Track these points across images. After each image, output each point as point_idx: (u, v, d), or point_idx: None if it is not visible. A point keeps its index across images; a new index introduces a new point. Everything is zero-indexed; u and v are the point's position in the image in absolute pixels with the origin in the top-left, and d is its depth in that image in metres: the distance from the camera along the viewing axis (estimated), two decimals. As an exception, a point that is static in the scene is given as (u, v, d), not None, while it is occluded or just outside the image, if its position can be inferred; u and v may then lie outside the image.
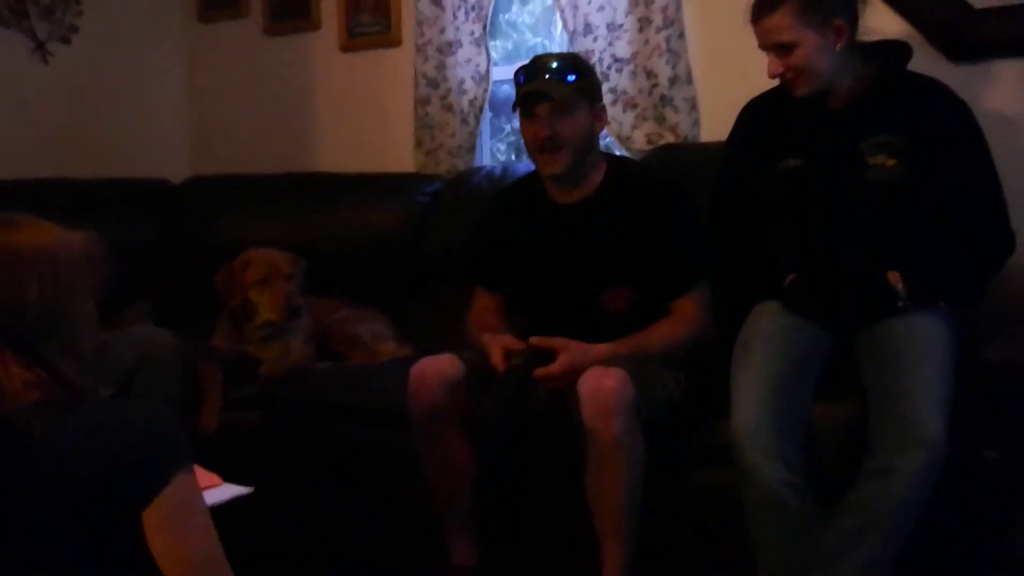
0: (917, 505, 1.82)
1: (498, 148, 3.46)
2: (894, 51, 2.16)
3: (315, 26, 3.56)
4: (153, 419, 1.28)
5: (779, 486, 1.88)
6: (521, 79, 2.26)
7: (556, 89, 2.19)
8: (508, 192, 2.50)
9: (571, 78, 2.20)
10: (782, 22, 2.03)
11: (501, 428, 2.18)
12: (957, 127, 2.09)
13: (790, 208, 2.17)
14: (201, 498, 1.29)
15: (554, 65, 2.22)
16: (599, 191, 2.28)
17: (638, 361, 2.08)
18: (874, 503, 1.82)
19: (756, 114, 2.29)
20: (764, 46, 2.10)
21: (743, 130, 2.31)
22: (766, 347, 2.03)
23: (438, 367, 2.15)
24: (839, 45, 2.06)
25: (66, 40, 3.52)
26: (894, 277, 2.02)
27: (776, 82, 2.17)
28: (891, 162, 2.06)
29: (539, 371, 2.11)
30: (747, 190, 2.25)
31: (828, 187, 2.12)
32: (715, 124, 2.83)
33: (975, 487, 2.01)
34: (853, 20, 2.09)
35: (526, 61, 2.33)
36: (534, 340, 2.13)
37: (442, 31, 3.19)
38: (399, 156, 3.35)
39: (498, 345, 2.15)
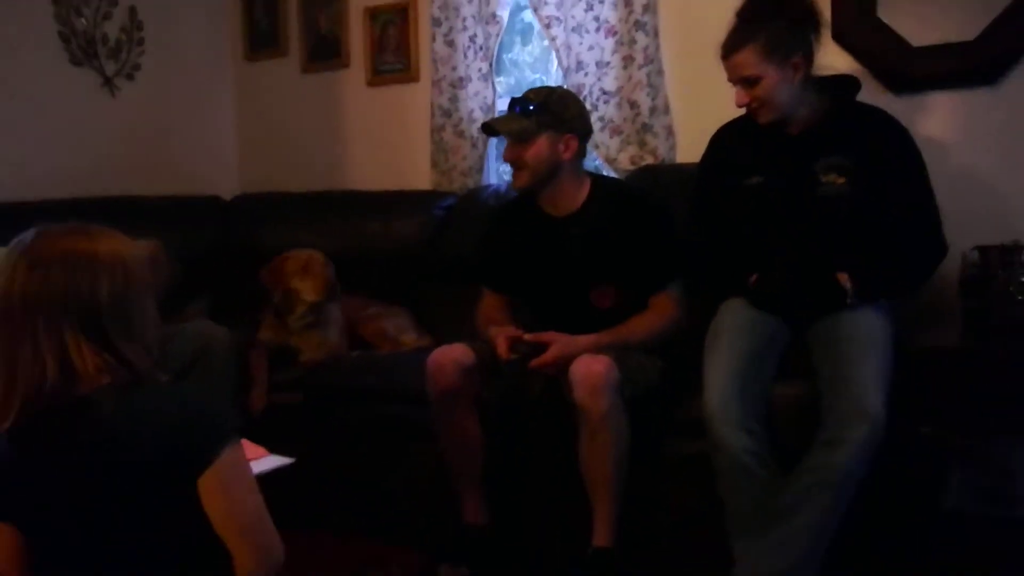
0: (860, 470, 1.86)
1: (504, 169, 3.50)
2: (845, 84, 2.22)
3: (345, 64, 3.61)
4: (206, 399, 1.33)
5: (745, 455, 1.92)
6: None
7: (506, 124, 2.29)
8: (508, 207, 2.55)
9: (530, 111, 2.24)
10: (748, 59, 2.08)
11: (505, 408, 2.23)
12: (899, 150, 2.13)
13: (754, 219, 2.22)
14: (248, 466, 1.33)
15: (521, 101, 2.28)
16: (585, 205, 2.33)
17: (622, 349, 2.14)
18: (824, 468, 1.86)
19: (725, 139, 2.34)
20: (732, 79, 2.14)
21: (714, 152, 2.35)
22: (733, 336, 2.08)
23: (453, 355, 2.21)
24: (797, 78, 2.10)
25: (131, 76, 3.57)
26: (843, 278, 2.07)
27: (743, 111, 2.22)
28: (841, 180, 2.10)
29: (534, 361, 2.16)
30: (717, 203, 2.30)
31: (785, 201, 2.16)
32: (689, 148, 2.88)
33: (912, 457, 2.07)
34: (809, 57, 2.13)
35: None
36: (528, 337, 2.19)
37: (454, 68, 3.24)
38: (418, 175, 3.40)
39: (503, 336, 2.21)
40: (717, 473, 1.96)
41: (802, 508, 1.87)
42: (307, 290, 2.74)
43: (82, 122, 3.41)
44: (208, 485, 1.26)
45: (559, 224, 2.34)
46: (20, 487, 1.27)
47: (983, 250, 2.17)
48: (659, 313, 2.26)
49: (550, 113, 2.25)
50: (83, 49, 3.42)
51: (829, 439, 1.88)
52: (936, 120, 2.49)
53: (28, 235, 1.29)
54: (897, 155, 2.13)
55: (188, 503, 1.26)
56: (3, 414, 1.25)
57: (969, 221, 2.29)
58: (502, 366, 2.20)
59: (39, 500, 1.26)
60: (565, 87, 2.75)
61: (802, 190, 2.13)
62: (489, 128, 2.35)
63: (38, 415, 1.24)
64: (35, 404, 1.23)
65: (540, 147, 2.25)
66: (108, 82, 3.50)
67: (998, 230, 2.28)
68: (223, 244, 3.35)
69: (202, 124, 3.82)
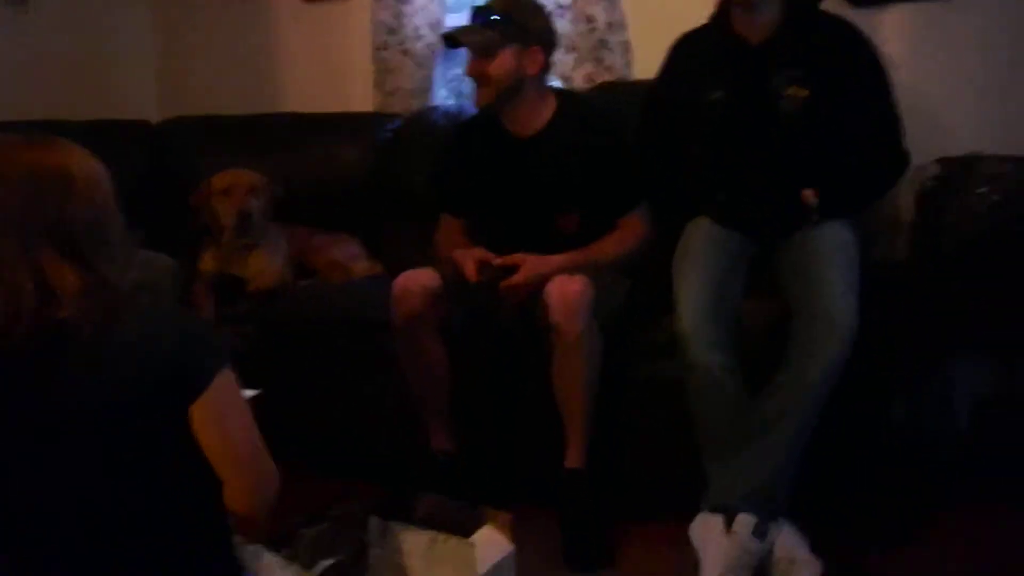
0: (833, 381, 1.86)
1: (453, 90, 3.36)
2: None
3: (278, -24, 3.39)
4: (196, 321, 1.24)
5: (719, 372, 1.90)
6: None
7: (469, 35, 2.16)
8: (468, 126, 2.43)
9: (494, 22, 2.13)
10: None
11: (473, 332, 2.16)
12: (863, 60, 2.09)
13: (715, 135, 2.16)
14: (240, 393, 1.25)
15: (484, 11, 2.16)
16: (550, 125, 2.24)
17: (593, 269, 2.08)
18: (798, 382, 1.85)
19: (684, 49, 2.26)
20: None
21: (672, 64, 2.28)
22: (702, 256, 2.04)
23: (420, 279, 2.11)
24: None
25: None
26: (808, 194, 2.04)
27: (702, 22, 2.16)
28: (803, 93, 2.05)
29: (505, 282, 2.09)
30: (675, 119, 2.23)
31: (747, 116, 2.11)
32: (646, 64, 2.78)
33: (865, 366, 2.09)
34: None
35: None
36: (497, 261, 2.11)
37: (398, -19, 3.07)
38: (359, 98, 3.23)
39: (471, 258, 2.12)
40: (691, 392, 1.94)
41: (777, 424, 1.86)
42: (225, 212, 2.61)
43: (-12, 39, 3.12)
44: (202, 411, 1.17)
45: (523, 144, 2.24)
46: None
47: (944, 162, 2.17)
48: (628, 233, 2.21)
49: (515, 24, 2.13)
50: (-14, -42, 3.11)
51: (802, 353, 1.87)
52: (892, 34, 2.46)
53: None
54: (861, 65, 2.09)
55: (178, 431, 1.18)
56: None
57: (915, 136, 2.25)
58: (471, 288, 2.11)
59: (12, 434, 1.15)
60: None
61: (763, 104, 2.08)
62: (450, 39, 2.21)
63: (15, 342, 1.11)
64: (12, 330, 1.11)
65: (505, 60, 2.14)
66: (16, -5, 3.19)
67: (946, 145, 2.29)
68: (154, 171, 3.13)
69: (119, 41, 3.54)
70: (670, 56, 2.29)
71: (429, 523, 1.76)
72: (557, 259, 2.09)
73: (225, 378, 1.20)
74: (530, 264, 2.08)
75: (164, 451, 1.19)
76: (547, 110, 2.24)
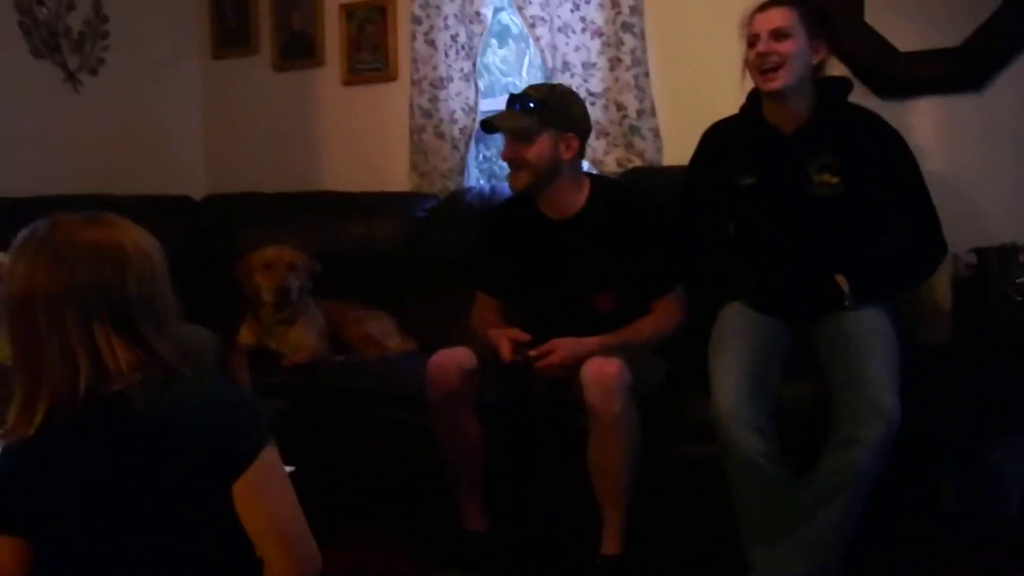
0: (877, 469, 1.84)
1: (486, 170, 3.43)
2: (838, 84, 2.22)
3: (320, 63, 3.50)
4: (242, 396, 1.25)
5: (757, 456, 1.88)
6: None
7: (507, 121, 2.21)
8: (504, 209, 2.47)
9: (532, 108, 2.18)
10: (786, 14, 2.09)
11: (507, 411, 2.16)
12: (892, 151, 2.14)
13: (747, 219, 2.19)
14: (283, 469, 1.24)
15: (522, 98, 2.22)
16: (585, 208, 2.27)
17: (629, 351, 2.08)
18: (842, 469, 1.83)
19: (717, 136, 2.31)
20: (758, 31, 2.10)
21: (705, 150, 2.32)
22: (738, 339, 2.05)
23: (456, 357, 2.13)
24: (815, 59, 2.11)
25: (94, 71, 3.41)
26: (841, 280, 2.06)
27: (733, 112, 2.20)
28: (834, 180, 2.10)
29: (540, 363, 2.10)
30: (707, 203, 2.27)
31: (779, 202, 2.15)
32: (676, 150, 2.85)
33: (913, 456, 2.07)
34: (827, 49, 2.15)
35: (501, 99, 2.34)
36: (532, 352, 2.12)
37: (435, 68, 3.16)
38: (395, 177, 3.31)
39: (506, 339, 2.14)
40: (729, 477, 1.92)
41: (821, 511, 1.84)
42: (265, 288, 2.67)
43: (44, 117, 3.24)
44: (245, 488, 1.17)
45: (559, 227, 2.27)
46: (38, 496, 1.16)
47: (980, 251, 2.18)
48: (663, 315, 2.22)
49: (552, 111, 2.19)
50: (45, 41, 3.25)
51: (845, 439, 1.85)
52: (922, 125, 2.50)
53: (41, 227, 1.18)
54: (890, 156, 2.14)
55: (222, 507, 1.17)
56: (27, 419, 1.14)
57: (949, 225, 2.28)
58: (504, 369, 2.12)
59: (60, 508, 1.16)
60: (564, 85, 2.67)
61: (795, 190, 2.12)
62: (489, 125, 2.27)
63: (69, 418, 1.13)
64: (67, 406, 1.13)
65: (542, 146, 2.19)
66: (71, 76, 3.33)
67: (979, 234, 2.30)
68: (195, 245, 3.20)
69: (168, 122, 3.67)
70: (702, 143, 2.34)
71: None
72: (592, 341, 2.10)
73: (269, 454, 1.19)
74: (566, 346, 2.09)
75: (205, 528, 1.18)
76: (582, 194, 2.28)
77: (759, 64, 2.11)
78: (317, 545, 1.26)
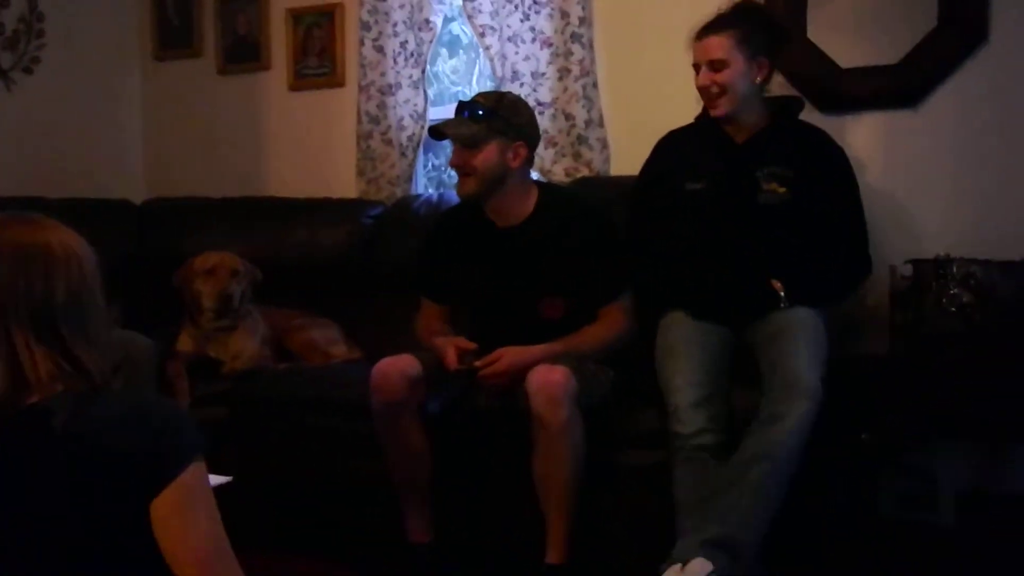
0: (799, 444, 1.88)
1: (434, 178, 3.41)
2: (790, 102, 2.31)
3: (265, 67, 3.44)
4: (169, 410, 1.17)
5: (706, 453, 1.93)
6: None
7: (455, 128, 2.20)
8: (451, 216, 2.46)
9: (480, 116, 2.18)
10: (722, 43, 2.13)
11: (452, 420, 2.13)
12: (836, 168, 2.22)
13: (693, 224, 2.23)
14: (209, 488, 1.14)
15: (471, 105, 2.21)
16: (533, 215, 2.27)
17: (576, 359, 2.08)
18: (764, 440, 1.88)
19: (670, 144, 2.35)
20: (699, 61, 2.18)
21: (658, 157, 2.36)
22: (687, 346, 2.08)
23: (399, 365, 2.10)
24: (758, 79, 2.17)
25: (28, 70, 3.30)
26: (777, 284, 2.12)
27: (684, 120, 2.25)
28: (782, 189, 2.17)
29: (485, 371, 2.08)
30: (656, 209, 2.30)
31: (726, 207, 2.20)
32: (624, 160, 2.87)
33: (847, 462, 2.11)
34: (771, 67, 2.20)
35: (450, 108, 2.33)
36: (478, 363, 2.10)
37: (383, 74, 3.13)
38: (341, 184, 3.26)
39: (452, 345, 2.12)
40: (676, 471, 1.95)
41: (743, 479, 1.86)
42: (206, 294, 2.61)
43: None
44: (163, 507, 1.08)
45: (506, 234, 2.27)
46: None
47: (916, 263, 2.22)
48: (610, 323, 2.22)
49: (501, 119, 2.18)
50: (-25, 38, 3.14)
51: (768, 415, 1.91)
52: (861, 139, 2.55)
53: None
54: (834, 172, 2.22)
55: (140, 529, 1.09)
56: None
57: (886, 237, 2.38)
58: (450, 377, 2.10)
59: None
60: (515, 93, 2.66)
61: (743, 197, 2.17)
62: (437, 132, 2.25)
63: None
64: None
65: (489, 154, 2.18)
66: (4, 75, 3.22)
67: (915, 246, 2.36)
68: (135, 251, 3.11)
69: (106, 124, 3.56)
70: (656, 150, 2.38)
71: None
72: (537, 349, 2.09)
73: (193, 474, 1.10)
74: (511, 355, 2.08)
75: (123, 550, 1.10)
76: (530, 201, 2.28)
77: (702, 93, 2.19)
78: (245, 561, 1.18)
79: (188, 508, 1.10)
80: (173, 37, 3.60)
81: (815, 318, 2.10)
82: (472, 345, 2.12)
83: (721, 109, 2.18)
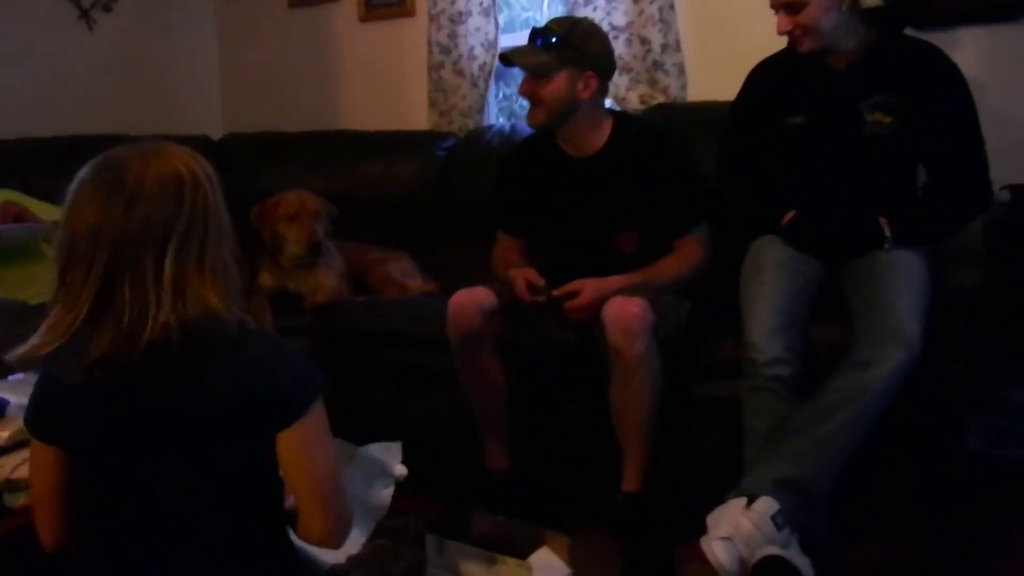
0: (889, 394, 1.78)
1: (505, 108, 3.37)
2: (893, 16, 2.08)
3: (335, -2, 3.44)
4: (298, 353, 1.24)
5: (779, 385, 1.85)
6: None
7: (524, 56, 2.15)
8: (524, 147, 2.42)
9: (552, 44, 2.11)
10: None
11: (532, 351, 2.15)
12: (950, 89, 2.02)
13: (794, 159, 2.12)
14: (327, 428, 1.24)
15: (543, 32, 2.15)
16: (607, 145, 2.22)
17: (653, 290, 2.06)
18: (853, 385, 1.78)
19: (764, 75, 2.20)
20: (775, 5, 2.02)
21: (751, 89, 2.22)
22: (774, 271, 2.00)
23: (475, 297, 2.10)
24: (844, 4, 1.98)
25: (108, 8, 3.37)
26: (883, 222, 1.99)
27: (773, 47, 2.11)
28: (887, 119, 2.00)
29: (568, 304, 2.06)
30: (752, 143, 2.19)
31: (829, 141, 2.07)
32: (701, 86, 2.79)
33: (942, 398, 2.03)
34: None
35: (521, 34, 2.26)
36: (555, 292, 2.08)
37: (453, 2, 3.08)
38: (414, 116, 3.26)
39: (522, 277, 2.11)
40: (747, 400, 1.89)
41: (824, 421, 1.78)
42: (292, 240, 2.65)
43: (59, 56, 3.21)
44: (292, 440, 1.18)
45: (580, 165, 2.23)
46: (85, 417, 1.16)
47: (1015, 189, 2.11)
48: (686, 254, 2.18)
49: (572, 48, 2.12)
50: (56, -22, 3.20)
51: (858, 360, 1.80)
52: (962, 57, 2.40)
53: (107, 165, 1.14)
54: (948, 95, 2.02)
55: (263, 454, 1.18)
56: (96, 348, 1.12)
57: (994, 160, 2.22)
58: (527, 309, 2.10)
59: (107, 433, 1.16)
60: (589, 18, 2.58)
61: (846, 129, 2.03)
62: (506, 59, 2.21)
63: (134, 355, 1.12)
64: (134, 343, 1.11)
65: (558, 84, 2.13)
66: (85, 14, 3.29)
67: (1014, 171, 2.22)
68: (214, 186, 3.17)
69: (183, 60, 3.63)
70: (748, 81, 2.24)
71: (485, 543, 1.74)
72: (616, 280, 2.07)
73: (318, 410, 1.20)
74: (591, 288, 2.06)
75: (244, 471, 1.19)
76: (603, 132, 2.23)
77: (786, 35, 2.03)
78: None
79: (314, 442, 1.20)
80: (245, -30, 3.61)
81: (920, 261, 1.97)
82: (541, 281, 2.11)
83: (807, 46, 2.02)
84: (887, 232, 1.98)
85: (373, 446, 1.66)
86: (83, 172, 1.15)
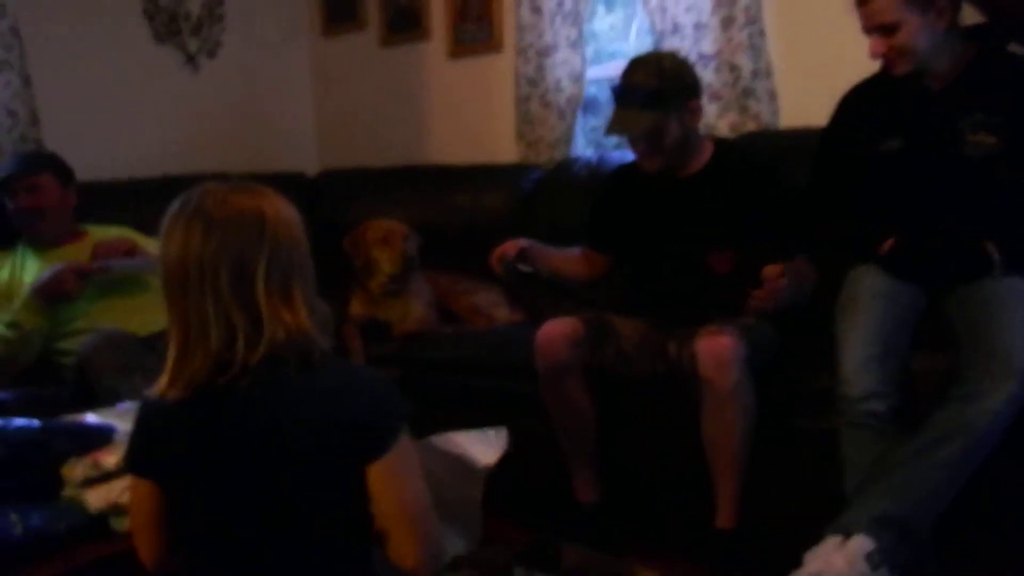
0: (997, 429, 1.68)
1: (591, 139, 3.38)
2: (993, 32, 2.01)
3: (425, 36, 3.52)
4: (384, 382, 1.26)
5: (877, 420, 1.78)
6: (613, 102, 2.19)
7: (634, 125, 2.13)
8: (626, 167, 2.40)
9: (650, 101, 2.08)
10: (886, 4, 1.88)
11: (621, 382, 2.12)
12: None
13: (893, 185, 2.03)
14: (415, 455, 1.25)
15: (633, 92, 2.12)
16: (708, 166, 2.22)
17: (797, 283, 1.99)
18: (960, 418, 1.69)
19: (856, 100, 2.13)
20: (868, 28, 1.95)
21: (844, 116, 2.15)
22: (871, 301, 1.93)
23: (562, 328, 2.11)
24: (941, 25, 1.90)
25: (212, 54, 3.54)
26: (990, 247, 1.89)
27: (866, 71, 2.05)
28: (991, 140, 1.91)
29: (755, 300, 1.95)
30: (847, 169, 2.11)
31: (927, 165, 1.98)
32: (793, 112, 2.73)
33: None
34: (956, 1, 1.93)
35: (615, 64, 2.26)
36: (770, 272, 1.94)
37: (540, 36, 3.12)
38: (502, 148, 3.30)
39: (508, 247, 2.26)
40: (844, 437, 1.83)
41: (928, 456, 1.69)
42: (385, 260, 2.72)
43: (166, 99, 3.38)
44: (383, 469, 1.19)
45: (681, 183, 2.22)
46: (181, 450, 1.21)
47: None
48: (807, 268, 2.09)
49: (669, 92, 2.10)
50: (166, 26, 3.39)
51: (965, 393, 1.71)
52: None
53: (194, 195, 1.20)
54: None
55: (354, 483, 1.20)
56: (178, 381, 1.17)
57: None
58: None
59: (199, 463, 1.20)
60: (663, 51, 2.57)
61: (946, 152, 1.94)
62: (615, 132, 2.21)
63: (228, 378, 1.16)
64: (224, 368, 1.16)
65: (671, 131, 2.14)
66: (191, 59, 3.46)
67: None
68: (310, 220, 3.24)
69: (281, 101, 3.78)
70: (841, 108, 2.17)
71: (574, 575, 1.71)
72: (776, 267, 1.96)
73: (405, 439, 1.21)
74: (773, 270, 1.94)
75: (336, 501, 1.21)
76: (705, 152, 2.23)
77: (877, 57, 1.96)
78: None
79: (403, 470, 1.21)
80: (339, 13, 3.75)
81: None
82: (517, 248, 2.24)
83: (902, 68, 1.94)
84: (995, 258, 1.88)
85: (464, 436, 1.62)
86: (172, 206, 1.21)
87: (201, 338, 1.15)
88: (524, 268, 2.20)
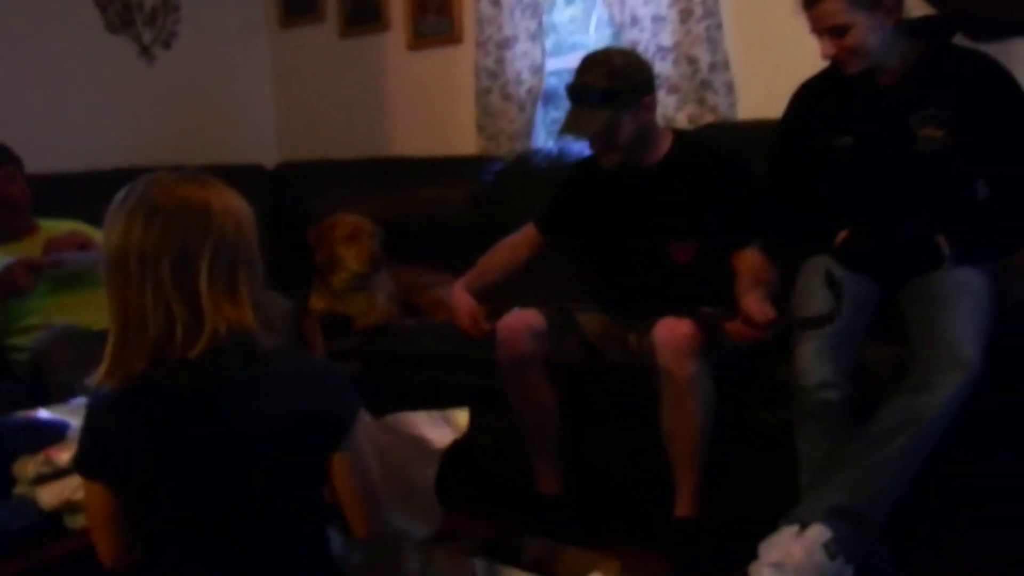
0: (947, 419, 1.71)
1: (551, 131, 3.38)
2: (939, 26, 2.03)
3: (385, 27, 3.50)
4: (338, 372, 1.25)
5: (830, 410, 1.80)
6: (569, 102, 2.18)
7: (587, 126, 2.12)
8: (592, 159, 2.36)
9: (602, 101, 2.08)
10: (835, 6, 1.89)
11: (581, 373, 2.13)
12: (1003, 98, 1.94)
13: (845, 180, 2.07)
14: (365, 432, 1.27)
15: (585, 92, 2.11)
16: (668, 156, 2.21)
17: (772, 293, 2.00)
18: (910, 410, 1.71)
19: (809, 95, 2.15)
20: (817, 30, 1.96)
21: (797, 110, 2.17)
22: (822, 296, 1.94)
23: (524, 319, 2.11)
24: (890, 22, 1.92)
25: (167, 45, 3.48)
26: (941, 241, 1.92)
27: (823, 63, 2.06)
28: (938, 133, 1.93)
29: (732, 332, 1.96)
30: (801, 164, 2.14)
31: (879, 161, 2.01)
32: (751, 104, 2.76)
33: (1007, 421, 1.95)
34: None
35: (575, 56, 2.27)
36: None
37: (500, 28, 3.12)
38: (462, 141, 3.29)
39: (466, 311, 2.25)
40: (799, 427, 1.85)
41: (879, 448, 1.72)
42: (351, 259, 2.68)
43: (120, 91, 3.32)
44: (343, 462, 1.21)
45: (642, 175, 2.22)
46: (127, 448, 1.18)
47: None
48: (763, 261, 2.11)
49: (621, 91, 2.09)
50: (120, 16, 3.33)
51: (914, 385, 1.74)
52: (1021, 68, 2.33)
53: (138, 185, 1.17)
54: (1003, 104, 1.94)
55: (311, 472, 1.21)
56: (117, 372, 1.15)
57: None
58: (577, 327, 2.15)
59: (147, 461, 1.18)
60: (613, 48, 2.56)
61: (897, 147, 1.97)
62: (569, 133, 2.20)
63: (165, 372, 1.14)
64: (162, 362, 1.14)
65: (625, 127, 2.13)
66: (145, 50, 3.40)
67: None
68: (268, 213, 3.23)
69: (239, 93, 3.73)
70: (792, 103, 2.19)
71: (537, 567, 1.72)
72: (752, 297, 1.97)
73: (359, 428, 1.23)
74: (754, 303, 1.94)
75: (293, 487, 1.20)
76: (664, 143, 2.23)
77: (829, 58, 1.98)
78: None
79: (358, 459, 1.23)
80: (297, 4, 3.70)
81: (981, 279, 1.89)
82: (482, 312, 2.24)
83: (855, 68, 1.96)
84: (946, 251, 1.91)
85: (419, 417, 1.61)
86: (118, 195, 1.18)
87: (139, 329, 1.13)
88: (494, 321, 2.18)
